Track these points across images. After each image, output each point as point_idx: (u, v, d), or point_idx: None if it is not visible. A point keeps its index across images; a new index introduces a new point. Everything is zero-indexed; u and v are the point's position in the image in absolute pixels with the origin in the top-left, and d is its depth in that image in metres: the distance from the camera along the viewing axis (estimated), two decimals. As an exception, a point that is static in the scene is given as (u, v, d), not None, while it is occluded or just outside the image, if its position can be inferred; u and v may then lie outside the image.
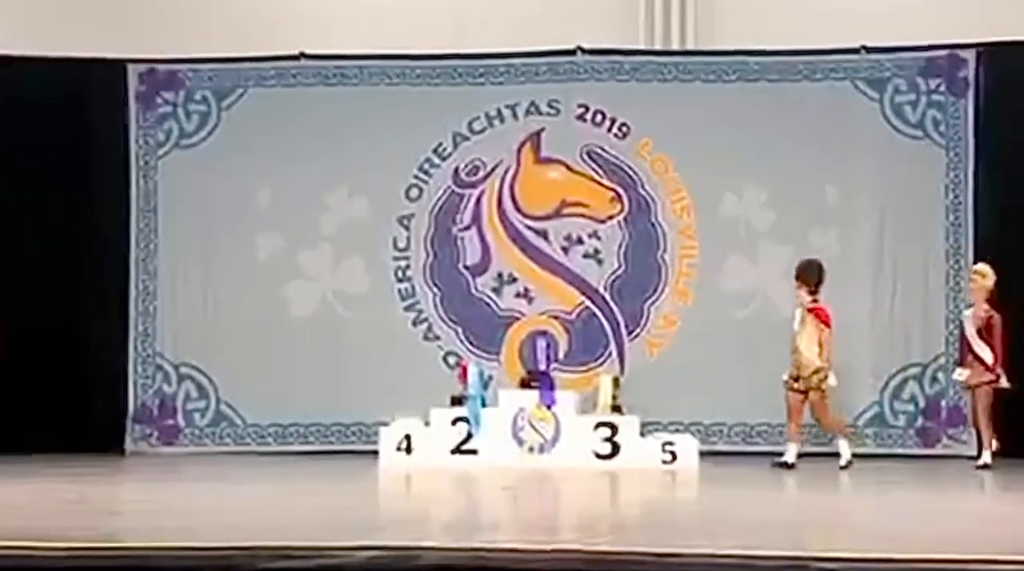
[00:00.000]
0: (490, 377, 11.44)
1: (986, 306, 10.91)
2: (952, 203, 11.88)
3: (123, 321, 12.21)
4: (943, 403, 11.77)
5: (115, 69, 12.31)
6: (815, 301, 10.77)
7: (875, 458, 11.36)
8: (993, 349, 10.81)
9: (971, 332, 10.92)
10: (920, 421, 11.81)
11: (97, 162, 12.30)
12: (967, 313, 11.04)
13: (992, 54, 11.80)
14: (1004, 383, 10.81)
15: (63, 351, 11.92)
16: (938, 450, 11.63)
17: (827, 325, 10.73)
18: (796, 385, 10.73)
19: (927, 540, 6.32)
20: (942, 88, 11.95)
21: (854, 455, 10.84)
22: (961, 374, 10.97)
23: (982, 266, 11.08)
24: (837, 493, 9.39)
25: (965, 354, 10.99)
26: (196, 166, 12.31)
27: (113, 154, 12.31)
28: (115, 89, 12.32)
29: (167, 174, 12.35)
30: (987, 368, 10.82)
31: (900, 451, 11.66)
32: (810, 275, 10.84)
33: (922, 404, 11.82)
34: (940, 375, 11.77)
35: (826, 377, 10.67)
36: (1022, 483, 9.86)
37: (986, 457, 10.71)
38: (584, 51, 12.24)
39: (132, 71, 12.39)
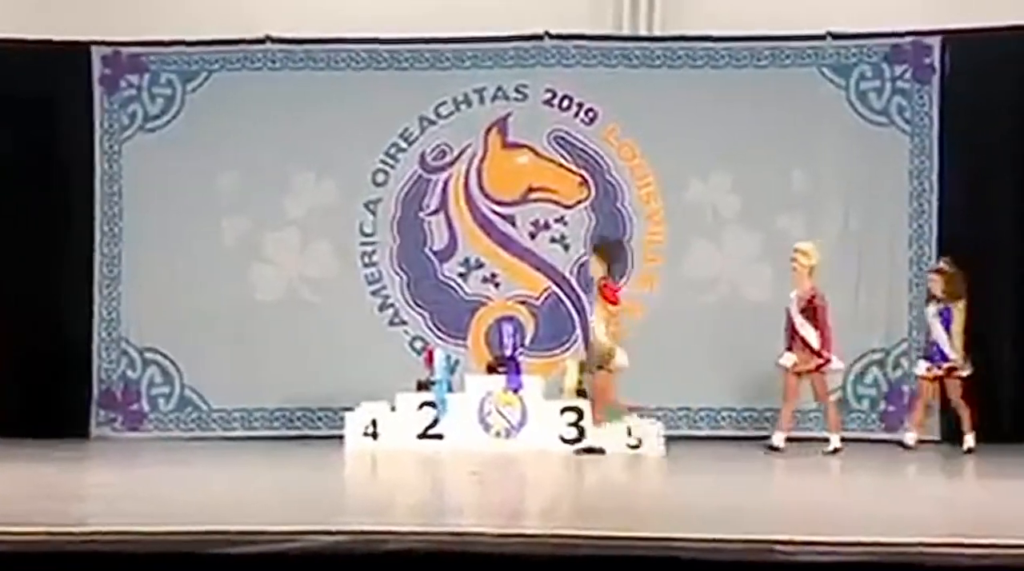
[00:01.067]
0: (456, 362, 11.44)
1: (809, 286, 10.80)
2: (916, 189, 11.96)
3: (87, 306, 12.14)
4: (906, 388, 11.85)
5: (79, 52, 12.22)
6: (605, 279, 10.65)
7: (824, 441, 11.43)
8: (820, 331, 10.67)
9: (795, 315, 10.74)
10: (883, 406, 11.90)
11: (61, 146, 12.21)
12: (792, 296, 10.86)
13: (957, 41, 11.86)
14: (836, 364, 10.69)
15: (27, 336, 11.83)
16: (900, 434, 11.70)
17: (613, 303, 10.63)
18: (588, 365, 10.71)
19: (888, 523, 6.37)
20: (907, 75, 12.01)
21: (820, 439, 10.91)
22: (787, 360, 10.76)
23: (804, 245, 10.91)
24: (802, 477, 9.44)
25: (791, 339, 10.80)
26: (161, 150, 12.23)
27: (77, 138, 12.22)
28: (79, 72, 12.23)
29: (132, 158, 12.28)
30: (814, 352, 10.67)
31: (863, 435, 11.74)
32: (606, 253, 10.76)
33: (885, 389, 11.91)
34: (903, 360, 11.85)
35: (612, 356, 10.57)
36: (986, 468, 9.95)
37: (835, 441, 10.72)
38: (551, 36, 12.23)
39: (96, 54, 12.29)
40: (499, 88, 12.26)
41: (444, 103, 12.27)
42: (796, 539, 5.34)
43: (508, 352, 11.38)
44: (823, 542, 5.32)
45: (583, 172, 12.23)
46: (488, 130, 12.29)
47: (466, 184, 12.32)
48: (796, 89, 12.04)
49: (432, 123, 12.28)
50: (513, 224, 12.24)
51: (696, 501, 7.72)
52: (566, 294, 12.15)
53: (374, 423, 10.92)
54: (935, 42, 11.94)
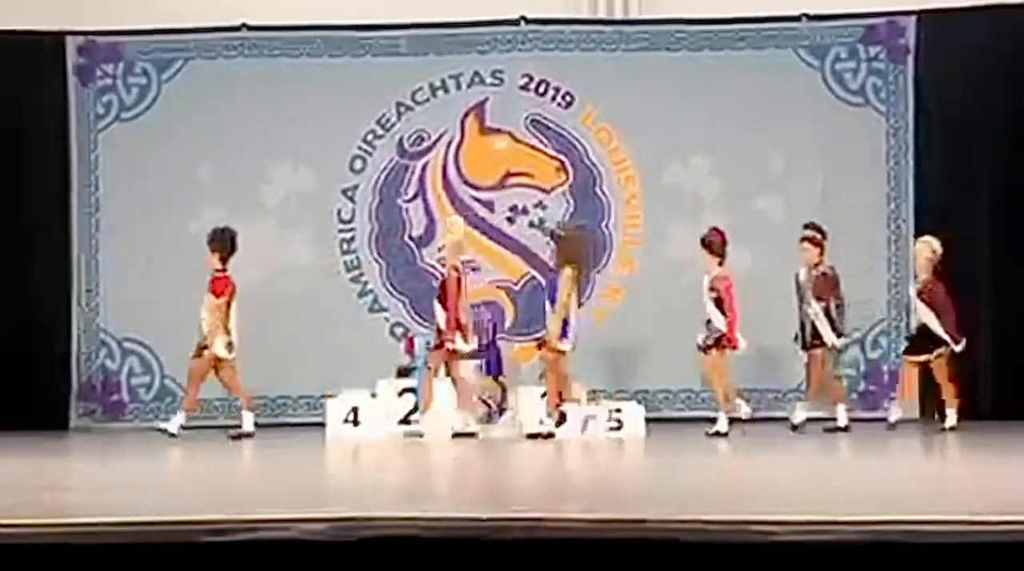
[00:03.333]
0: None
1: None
2: (893, 169, 12.00)
3: (66, 296, 12.10)
4: (885, 368, 11.90)
5: (54, 42, 12.15)
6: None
7: (819, 421, 11.47)
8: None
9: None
10: (862, 385, 11.95)
11: (36, 136, 12.15)
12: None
13: (931, 20, 11.90)
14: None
15: (5, 327, 11.79)
16: (880, 414, 11.74)
17: (217, 295, 10.64)
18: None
19: (868, 501, 6.41)
20: (882, 55, 12.05)
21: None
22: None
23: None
24: (782, 457, 9.48)
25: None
26: (137, 139, 12.19)
27: (52, 128, 12.16)
28: (53, 62, 12.17)
29: (108, 148, 12.23)
30: (439, 331, 10.59)
31: (861, 415, 11.76)
32: (218, 244, 10.74)
33: (864, 368, 11.96)
34: (882, 340, 11.90)
35: None
36: (965, 445, 10.01)
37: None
38: (528, 21, 12.22)
39: (71, 43, 12.23)
40: (476, 73, 12.25)
41: (421, 89, 12.25)
42: (787, 519, 5.35)
43: (487, 337, 11.39)
44: (816, 521, 5.33)
45: (561, 156, 12.23)
46: (465, 115, 12.28)
47: (444, 170, 12.31)
48: (772, 71, 12.06)
49: (409, 109, 12.26)
50: (491, 209, 12.24)
51: (676, 482, 7.74)
52: (545, 278, 12.14)
53: (355, 410, 10.92)
54: (909, 22, 11.98)
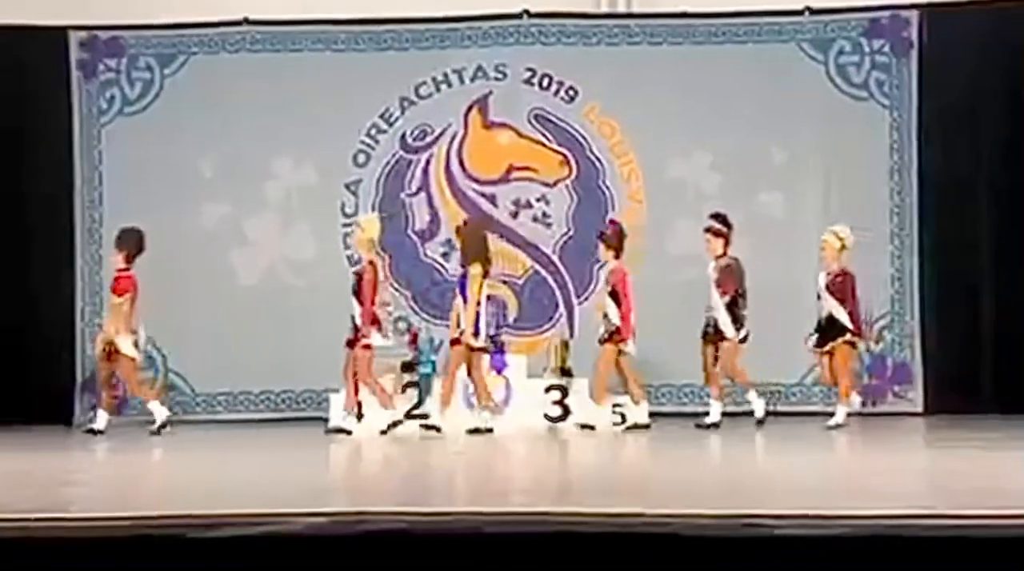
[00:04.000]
0: (440, 343, 11.44)
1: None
2: (896, 163, 11.99)
3: (69, 291, 12.10)
4: (888, 361, 11.90)
5: (56, 36, 12.16)
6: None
7: (822, 416, 11.47)
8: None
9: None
10: (866, 379, 11.94)
11: (39, 131, 12.16)
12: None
13: (935, 14, 11.89)
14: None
15: (9, 322, 11.80)
16: (884, 408, 11.75)
17: (119, 294, 10.65)
18: None
19: (872, 496, 6.41)
20: (886, 49, 12.03)
21: (802, 413, 10.96)
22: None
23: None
24: (786, 452, 9.48)
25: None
26: (140, 134, 12.19)
27: (56, 123, 12.17)
28: (56, 57, 12.17)
29: (111, 142, 12.24)
30: (355, 326, 10.53)
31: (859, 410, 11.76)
32: (124, 243, 10.71)
33: (867, 362, 11.95)
34: (885, 333, 11.89)
35: None
36: (962, 439, 10.00)
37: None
38: (531, 15, 12.22)
39: (73, 38, 12.24)
40: (479, 68, 12.24)
41: (424, 83, 12.25)
42: (789, 513, 5.35)
43: (491, 332, 11.38)
44: (817, 515, 5.33)
45: (564, 150, 12.23)
46: (468, 110, 12.28)
47: (447, 164, 12.31)
48: (775, 65, 12.05)
49: (412, 104, 12.26)
50: (494, 203, 12.24)
51: (679, 476, 7.74)
52: (548, 273, 12.16)
53: (358, 404, 10.91)
54: (913, 16, 11.97)
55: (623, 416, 10.81)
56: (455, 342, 10.53)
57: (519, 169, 12.27)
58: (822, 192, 12.01)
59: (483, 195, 12.27)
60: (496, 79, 12.24)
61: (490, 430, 10.42)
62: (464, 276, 10.62)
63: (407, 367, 11.11)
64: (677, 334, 11.72)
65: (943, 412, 11.43)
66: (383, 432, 10.37)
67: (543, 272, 12.10)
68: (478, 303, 10.47)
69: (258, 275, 12.13)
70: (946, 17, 11.81)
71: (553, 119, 12.23)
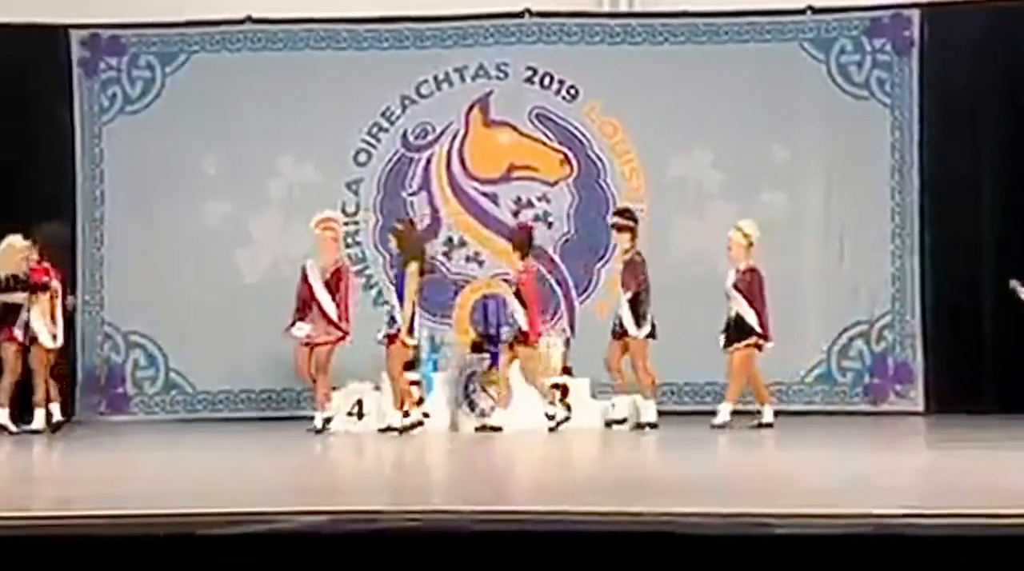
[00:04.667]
0: (441, 341, 11.44)
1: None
2: (897, 162, 11.98)
3: (70, 290, 12.09)
4: (889, 360, 11.89)
5: (57, 35, 12.16)
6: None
7: (823, 415, 11.49)
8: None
9: (318, 286, 10.55)
10: (867, 378, 11.94)
11: (41, 129, 12.16)
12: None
13: (936, 13, 11.88)
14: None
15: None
16: (885, 407, 11.76)
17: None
18: None
19: (873, 495, 6.41)
20: (887, 48, 12.03)
21: (803, 413, 10.96)
22: (301, 329, 10.55)
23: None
24: (788, 451, 9.48)
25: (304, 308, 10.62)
26: (142, 132, 12.20)
27: (57, 121, 12.17)
28: (57, 55, 12.18)
29: (112, 141, 12.24)
30: (331, 323, 10.53)
31: (848, 408, 11.78)
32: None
33: (869, 361, 11.95)
34: (887, 333, 11.89)
35: None
36: (964, 439, 10.00)
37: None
38: (532, 14, 12.22)
39: (75, 37, 12.24)
40: (480, 66, 12.24)
41: (425, 82, 12.25)
42: (789, 512, 5.35)
43: (492, 330, 11.38)
44: (817, 515, 5.34)
45: (565, 149, 12.23)
46: (470, 108, 12.28)
47: (448, 163, 12.31)
48: (777, 63, 12.04)
49: (414, 102, 12.26)
50: (496, 202, 12.24)
51: (681, 475, 7.74)
52: (549, 271, 12.15)
53: (359, 403, 10.92)
54: (914, 15, 11.97)
55: (624, 416, 10.78)
56: (391, 340, 10.46)
57: (520, 168, 12.27)
58: (823, 191, 12.01)
59: (484, 194, 12.27)
60: (497, 78, 12.24)
61: (408, 428, 10.32)
62: (401, 275, 10.60)
63: (409, 366, 11.10)
64: (679, 332, 11.72)
65: (944, 411, 11.43)
66: (400, 431, 10.32)
67: (543, 271, 12.09)
68: (414, 302, 10.45)
69: (259, 273, 12.13)
70: (947, 16, 11.81)
71: (554, 118, 12.23)
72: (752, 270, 10.46)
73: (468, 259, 12.22)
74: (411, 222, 11.09)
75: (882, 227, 11.95)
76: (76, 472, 8.55)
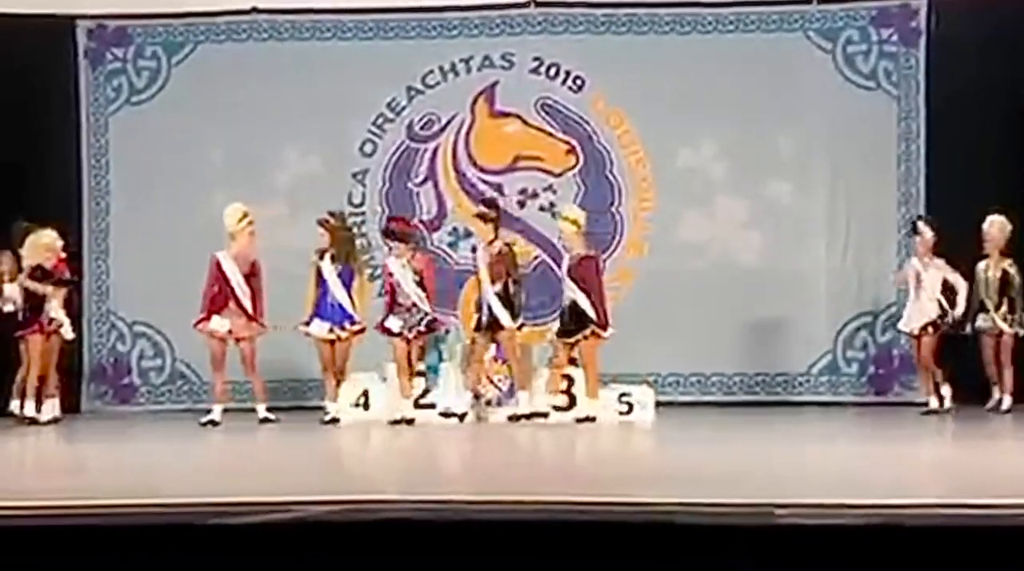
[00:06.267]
0: (447, 332, 11.44)
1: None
2: (904, 153, 11.97)
3: (76, 280, 12.11)
4: (895, 351, 11.89)
5: (63, 26, 12.17)
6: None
7: (828, 406, 11.49)
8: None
9: (237, 280, 10.53)
10: (872, 369, 11.93)
11: (47, 120, 12.17)
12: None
13: (943, 3, 11.86)
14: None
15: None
16: (890, 398, 11.75)
17: None
18: None
19: (879, 485, 6.41)
20: (894, 38, 12.01)
21: (808, 403, 10.96)
22: (220, 324, 10.54)
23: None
24: (793, 442, 9.48)
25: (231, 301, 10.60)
26: (147, 123, 12.20)
27: (63, 112, 12.18)
28: (64, 46, 12.18)
29: (118, 131, 12.25)
30: (250, 317, 10.53)
31: (853, 399, 11.78)
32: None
33: (874, 352, 11.94)
34: (892, 324, 11.88)
35: None
36: (969, 429, 10.00)
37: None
38: (538, 4, 12.21)
39: (81, 27, 12.25)
40: (486, 57, 12.24)
41: (431, 72, 12.24)
42: (796, 502, 5.36)
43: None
44: (823, 504, 5.34)
45: (571, 140, 12.22)
46: (475, 99, 12.27)
47: (454, 153, 12.30)
48: (783, 54, 12.03)
49: (419, 93, 12.25)
50: (501, 193, 12.23)
51: (686, 466, 7.75)
52: (556, 262, 12.14)
53: (365, 393, 10.92)
54: (921, 4, 11.94)
55: (630, 406, 10.77)
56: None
57: (526, 158, 12.27)
58: (829, 181, 11.99)
59: (490, 184, 12.26)
60: (503, 68, 12.23)
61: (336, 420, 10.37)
62: (346, 271, 10.65)
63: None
64: (684, 323, 11.74)
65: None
66: (396, 422, 10.36)
67: (549, 262, 12.08)
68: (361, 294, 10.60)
69: (265, 264, 12.11)
70: (954, 6, 11.78)
71: (560, 108, 12.22)
72: (587, 257, 10.45)
73: (474, 249, 12.19)
74: (341, 216, 11.00)
75: (888, 218, 11.93)
76: (87, 462, 8.57)
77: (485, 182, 12.27)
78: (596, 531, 4.86)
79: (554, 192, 12.19)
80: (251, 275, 10.65)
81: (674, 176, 12.13)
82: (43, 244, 10.69)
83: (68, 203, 12.15)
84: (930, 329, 10.63)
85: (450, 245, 12.21)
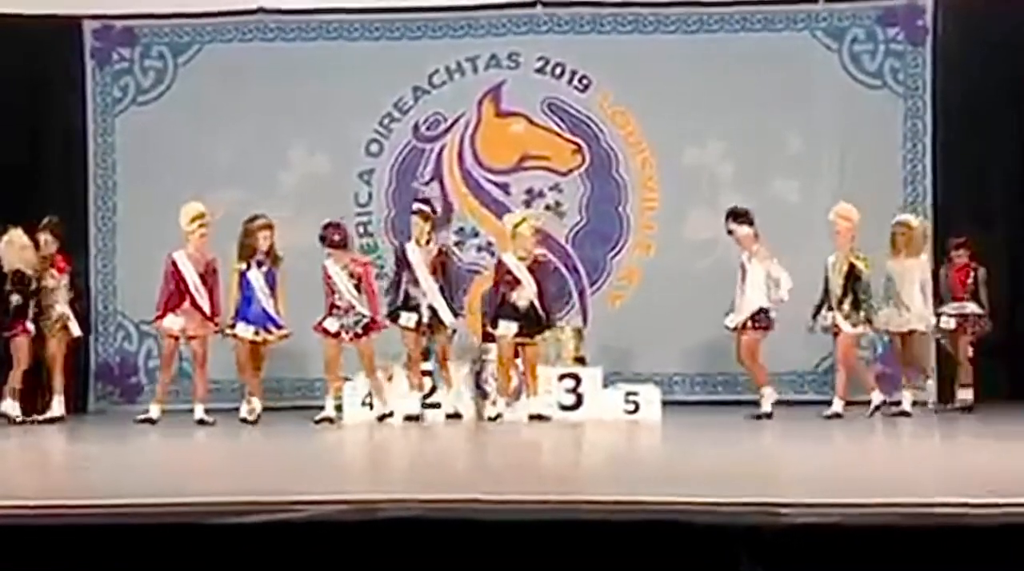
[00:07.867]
0: (454, 330, 11.44)
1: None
2: (910, 152, 11.96)
3: (84, 279, 12.13)
4: (901, 351, 11.85)
5: (70, 25, 12.18)
6: None
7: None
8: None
9: (194, 280, 10.58)
10: (879, 368, 11.91)
11: (54, 121, 12.19)
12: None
13: (950, 2, 11.84)
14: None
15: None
16: (897, 396, 11.72)
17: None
18: None
19: (887, 485, 6.41)
20: (900, 37, 12.00)
21: (815, 402, 10.95)
22: (174, 322, 10.57)
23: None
24: (798, 440, 9.48)
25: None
26: (154, 123, 12.22)
27: (70, 112, 12.20)
28: (70, 46, 12.20)
29: (125, 131, 12.26)
30: (205, 317, 10.56)
31: (860, 397, 11.74)
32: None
33: (881, 351, 11.93)
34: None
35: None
36: (976, 429, 9.99)
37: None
38: (544, 3, 12.21)
39: (87, 27, 12.27)
40: (492, 56, 12.24)
41: (437, 72, 12.25)
42: (802, 501, 5.35)
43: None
44: (829, 504, 5.33)
45: (577, 140, 12.22)
46: (482, 99, 12.28)
47: (460, 153, 12.31)
48: (789, 53, 12.02)
49: (426, 92, 12.26)
50: (507, 192, 12.24)
51: (693, 465, 7.75)
52: (562, 261, 12.15)
53: (371, 393, 10.92)
54: (928, 3, 11.93)
55: (636, 405, 10.76)
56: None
57: (532, 158, 12.27)
58: (836, 179, 11.99)
59: (496, 184, 12.27)
60: (509, 68, 12.23)
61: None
62: (270, 273, 10.73)
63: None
64: (690, 322, 11.73)
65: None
66: (381, 418, 10.47)
67: (556, 261, 12.09)
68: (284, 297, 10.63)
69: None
70: (961, 4, 11.77)
71: (566, 108, 12.22)
72: (543, 256, 10.64)
73: (480, 249, 12.22)
74: (252, 219, 10.95)
75: (894, 216, 11.90)
76: (89, 462, 8.58)
77: (491, 182, 12.27)
78: (601, 530, 4.86)
79: (560, 191, 12.20)
80: (207, 274, 10.64)
81: (680, 175, 12.12)
82: (17, 244, 10.67)
83: (75, 203, 12.16)
84: (750, 324, 10.57)
85: (456, 244, 12.21)
